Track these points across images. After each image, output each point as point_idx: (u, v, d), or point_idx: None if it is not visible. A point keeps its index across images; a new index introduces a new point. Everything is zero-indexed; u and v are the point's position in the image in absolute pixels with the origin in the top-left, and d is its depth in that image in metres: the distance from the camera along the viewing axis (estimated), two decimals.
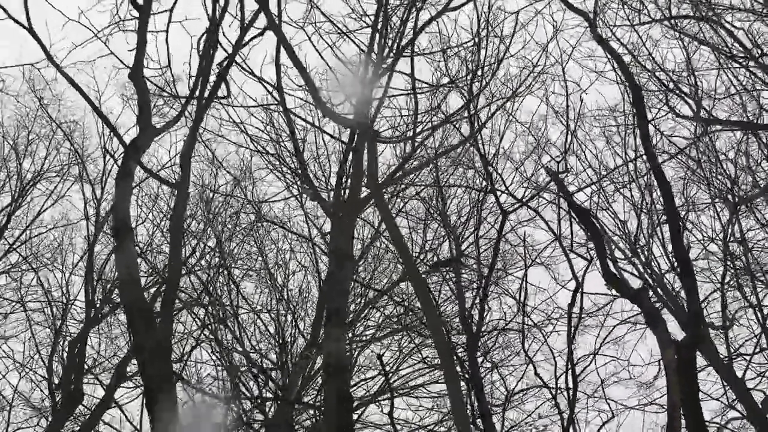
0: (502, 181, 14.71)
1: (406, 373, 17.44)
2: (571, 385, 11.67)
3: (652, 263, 15.74)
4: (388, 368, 17.22)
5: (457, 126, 14.99)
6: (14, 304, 19.46)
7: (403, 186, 16.82)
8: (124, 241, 12.49)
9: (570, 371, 11.68)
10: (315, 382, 17.14)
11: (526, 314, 13.12)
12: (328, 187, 17.31)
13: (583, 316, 12.51)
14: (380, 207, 13.27)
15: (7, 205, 19.51)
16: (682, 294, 15.32)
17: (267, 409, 15.84)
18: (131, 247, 12.76)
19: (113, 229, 13.03)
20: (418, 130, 15.18)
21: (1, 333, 19.33)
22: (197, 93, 13.68)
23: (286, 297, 17.28)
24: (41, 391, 18.51)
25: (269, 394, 16.12)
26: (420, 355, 16.67)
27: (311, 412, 16.24)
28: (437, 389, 17.56)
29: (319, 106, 13.76)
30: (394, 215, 17.86)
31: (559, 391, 12.19)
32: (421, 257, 17.17)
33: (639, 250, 15.79)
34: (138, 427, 16.76)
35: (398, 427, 16.91)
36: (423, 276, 12.95)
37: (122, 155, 13.73)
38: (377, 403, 17.35)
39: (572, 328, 11.92)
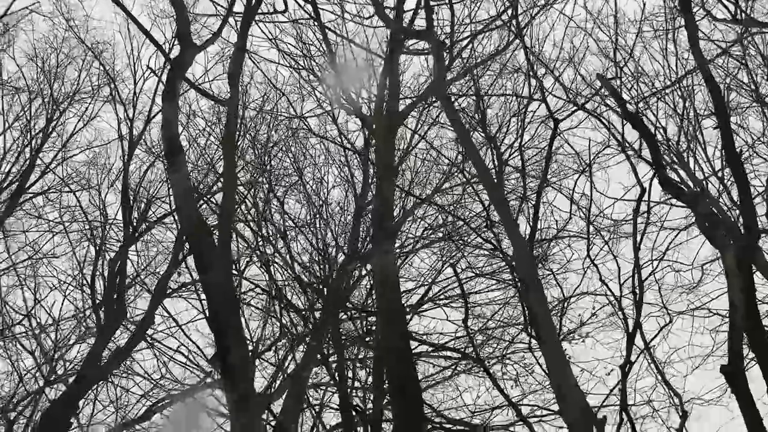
0: (557, 80, 14.58)
1: (447, 283, 17.57)
2: (637, 289, 11.78)
3: (695, 170, 15.73)
4: (430, 279, 17.45)
5: (508, 26, 14.79)
6: (54, 224, 19.61)
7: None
8: (177, 160, 12.56)
9: (636, 275, 11.79)
10: (357, 294, 17.35)
11: (589, 220, 13.15)
12: (360, 100, 17.31)
13: (650, 222, 12.55)
14: (449, 114, 13.29)
15: (43, 127, 19.52)
16: (724, 199, 15.39)
17: (313, 321, 16.05)
18: (185, 167, 12.84)
19: (165, 149, 13.06)
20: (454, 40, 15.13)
21: (46, 253, 19.49)
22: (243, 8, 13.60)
23: (325, 212, 17.38)
24: (87, 302, 18.68)
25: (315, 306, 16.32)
26: (467, 261, 16.73)
27: (357, 323, 16.41)
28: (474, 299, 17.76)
29: (380, 12, 13.69)
30: (429, 126, 18.00)
31: (622, 297, 12.31)
32: (458, 169, 17.20)
33: (682, 156, 15.76)
34: (189, 335, 17.00)
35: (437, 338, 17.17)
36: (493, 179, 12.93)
37: (167, 74, 13.72)
38: (419, 314, 17.64)
39: (637, 233, 11.99)
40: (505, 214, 12.02)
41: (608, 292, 12.80)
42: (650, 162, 13.11)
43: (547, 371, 12.20)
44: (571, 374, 10.29)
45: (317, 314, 16.05)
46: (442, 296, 17.68)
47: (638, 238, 12.00)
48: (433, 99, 16.38)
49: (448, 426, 14.36)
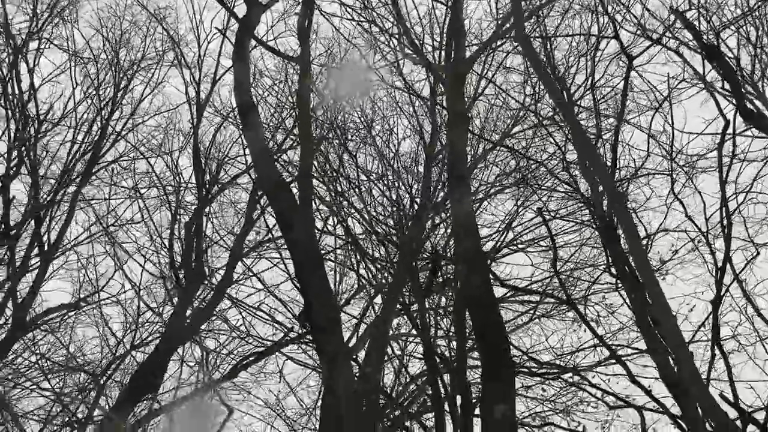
0: (628, 11, 14.32)
1: (522, 228, 17.50)
2: (725, 221, 11.61)
3: None
4: (504, 225, 17.39)
5: None
6: (130, 191, 19.90)
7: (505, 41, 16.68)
8: (252, 119, 12.69)
9: (724, 209, 11.63)
10: (430, 243, 17.34)
11: (672, 155, 12.96)
12: (425, 49, 17.20)
13: (735, 155, 12.30)
14: (528, 53, 13.21)
15: (111, 96, 19.74)
16: None
17: (391, 271, 16.10)
18: (260, 125, 12.97)
19: (239, 109, 13.20)
20: None
21: (125, 220, 19.82)
22: None
23: (397, 163, 17.36)
24: (167, 266, 18.97)
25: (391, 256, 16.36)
26: (543, 204, 16.53)
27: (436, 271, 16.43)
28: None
29: None
30: (496, 70, 17.84)
31: (708, 232, 12.17)
32: (531, 110, 17.02)
33: (756, 86, 15.36)
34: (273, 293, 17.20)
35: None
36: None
37: (236, 34, 13.81)
38: (496, 260, 17.60)
39: (723, 166, 11.80)
40: (587, 149, 11.91)
41: (694, 228, 12.62)
42: (730, 94, 12.85)
43: (635, 310, 12.15)
44: (670, 311, 10.22)
45: (395, 265, 16.09)
46: (517, 241, 17.65)
47: (724, 171, 11.80)
48: (500, 43, 16.30)
49: (535, 369, 14.39)
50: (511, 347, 12.01)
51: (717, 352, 11.46)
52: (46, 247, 18.14)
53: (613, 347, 14.73)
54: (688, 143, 14.23)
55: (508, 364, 10.85)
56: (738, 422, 10.64)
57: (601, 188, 13.26)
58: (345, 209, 16.38)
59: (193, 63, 19.90)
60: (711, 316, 11.50)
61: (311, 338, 15.48)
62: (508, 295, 16.63)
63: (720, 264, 11.56)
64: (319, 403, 15.55)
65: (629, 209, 12.73)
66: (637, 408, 11.87)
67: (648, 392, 11.02)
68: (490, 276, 13.31)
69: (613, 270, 13.38)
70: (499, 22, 16.18)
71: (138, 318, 18.92)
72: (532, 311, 16.81)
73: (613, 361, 14.13)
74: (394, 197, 16.83)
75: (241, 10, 15.19)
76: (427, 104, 17.82)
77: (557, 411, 16.60)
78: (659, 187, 14.83)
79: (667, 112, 13.56)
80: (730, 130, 12.42)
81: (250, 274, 18.37)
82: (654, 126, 13.79)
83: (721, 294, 11.44)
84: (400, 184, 16.94)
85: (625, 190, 14.13)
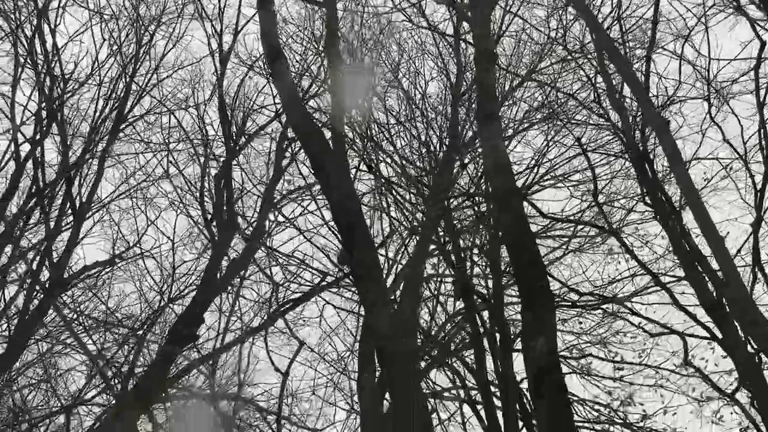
0: None
1: (553, 164, 17.38)
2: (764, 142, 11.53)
3: None
4: (535, 161, 17.31)
5: None
6: (158, 146, 19.93)
7: None
8: (279, 65, 12.66)
9: (762, 131, 11.54)
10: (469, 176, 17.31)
11: (708, 79, 12.83)
12: None
13: None
14: None
15: (134, 53, 19.67)
16: None
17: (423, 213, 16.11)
18: (288, 73, 12.94)
19: (266, 56, 13.18)
20: None
21: (156, 175, 19.87)
22: None
23: (424, 105, 17.31)
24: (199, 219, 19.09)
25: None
26: (572, 136, 16.39)
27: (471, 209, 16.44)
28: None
29: None
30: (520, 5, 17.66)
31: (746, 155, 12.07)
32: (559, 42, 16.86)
33: None
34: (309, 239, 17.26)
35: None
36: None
37: None
38: (528, 196, 17.53)
39: (759, 88, 11.70)
40: (624, 72, 11.80)
41: (727, 156, 12.58)
42: (764, 17, 12.66)
43: (672, 236, 12.13)
44: (716, 230, 10.20)
45: (427, 205, 16.11)
46: (549, 176, 17.55)
47: (761, 94, 11.69)
48: None
49: (575, 300, 14.41)
50: (550, 280, 12.01)
51: (759, 275, 11.47)
52: (78, 206, 18.22)
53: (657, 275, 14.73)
54: (720, 69, 13.95)
55: (547, 298, 10.89)
56: None
57: (631, 118, 13.21)
58: (375, 153, 16.37)
59: (214, 15, 19.80)
60: (752, 238, 11.49)
61: (351, 283, 15.58)
62: (544, 228, 16.60)
63: (759, 186, 11.53)
64: (357, 346, 15.70)
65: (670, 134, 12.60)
66: (680, 334, 11.92)
67: (693, 316, 11.05)
68: (529, 209, 13.31)
69: (647, 199, 13.39)
70: None
71: (174, 271, 19.10)
72: (565, 245, 16.79)
73: (651, 290, 14.17)
74: (423, 139, 16.83)
75: None
76: (451, 44, 17.72)
77: (594, 343, 16.65)
78: (690, 115, 14.71)
79: (700, 39, 13.41)
80: (766, 53, 12.28)
81: (284, 221, 18.44)
82: (687, 54, 13.53)
83: (762, 215, 11.42)
84: (429, 125, 16.92)
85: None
